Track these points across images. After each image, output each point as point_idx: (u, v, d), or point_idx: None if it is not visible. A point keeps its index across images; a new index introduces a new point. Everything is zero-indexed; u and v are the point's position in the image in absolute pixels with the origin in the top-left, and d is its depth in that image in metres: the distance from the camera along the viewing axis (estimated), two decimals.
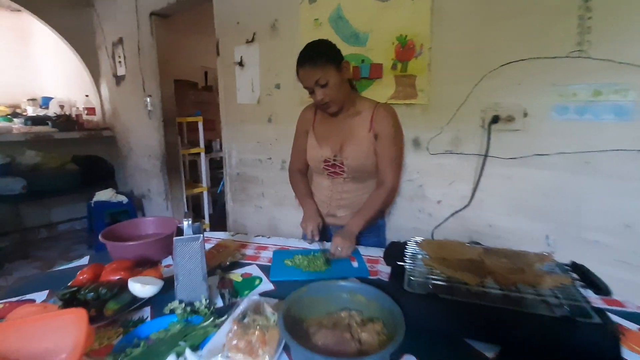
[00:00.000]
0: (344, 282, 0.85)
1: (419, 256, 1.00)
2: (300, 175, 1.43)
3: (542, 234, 1.25)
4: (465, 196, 1.38)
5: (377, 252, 1.24)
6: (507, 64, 1.23)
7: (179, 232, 0.89)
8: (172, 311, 0.85)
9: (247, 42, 2.00)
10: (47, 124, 3.56)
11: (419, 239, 1.09)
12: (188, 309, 0.84)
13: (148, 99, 2.99)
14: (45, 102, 4.44)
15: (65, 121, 3.58)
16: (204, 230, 3.50)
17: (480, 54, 1.27)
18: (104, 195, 3.13)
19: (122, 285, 0.88)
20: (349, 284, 0.85)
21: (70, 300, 0.83)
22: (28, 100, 4.57)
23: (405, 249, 1.02)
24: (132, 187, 3.73)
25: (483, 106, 1.29)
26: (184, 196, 3.26)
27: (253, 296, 0.89)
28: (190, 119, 3.45)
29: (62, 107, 4.19)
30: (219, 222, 3.22)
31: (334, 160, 1.27)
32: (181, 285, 0.87)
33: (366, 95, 1.54)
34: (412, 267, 0.90)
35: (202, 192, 3.64)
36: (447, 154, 1.41)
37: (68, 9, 3.39)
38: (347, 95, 1.21)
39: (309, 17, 1.69)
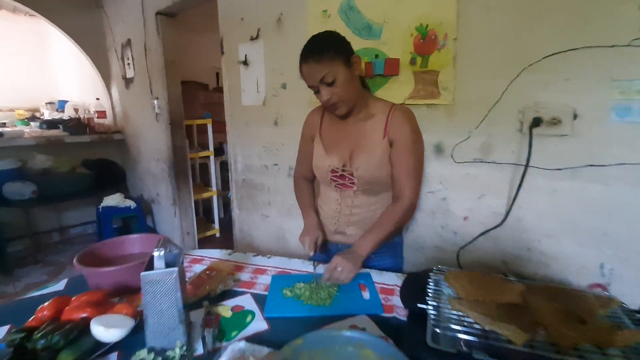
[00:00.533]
0: (349, 332, 0.68)
1: (445, 293, 0.81)
2: (305, 182, 1.27)
3: (595, 261, 1.03)
4: (497, 213, 1.17)
5: (394, 279, 1.06)
6: (553, 55, 1.02)
7: (151, 263, 0.74)
8: None
9: (252, 38, 1.85)
10: (59, 128, 3.54)
11: (443, 268, 0.90)
12: (159, 359, 0.69)
13: (155, 101, 2.91)
14: (62, 105, 4.46)
15: (76, 125, 3.55)
16: (215, 234, 3.34)
17: (519, 44, 1.06)
18: (112, 200, 3.07)
19: (85, 327, 0.74)
20: (355, 334, 0.68)
21: (20, 348, 0.69)
22: (46, 103, 4.62)
23: (428, 283, 0.83)
24: (142, 192, 3.67)
25: (521, 106, 1.08)
26: (192, 201, 3.16)
27: (239, 343, 0.73)
28: (199, 122, 3.36)
29: (76, 110, 4.19)
30: (230, 226, 3.11)
31: (343, 170, 1.09)
32: (151, 329, 0.72)
33: (381, 95, 1.36)
34: (436, 313, 0.71)
35: (212, 196, 3.55)
36: (476, 162, 1.20)
37: (78, 11, 3.35)
38: (357, 95, 1.03)
39: (317, 9, 1.52)
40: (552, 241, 1.09)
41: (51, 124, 3.72)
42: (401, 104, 1.31)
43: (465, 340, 0.64)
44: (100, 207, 3.07)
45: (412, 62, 1.26)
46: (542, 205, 1.09)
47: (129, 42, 3.14)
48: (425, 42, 1.22)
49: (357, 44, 1.38)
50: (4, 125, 3.87)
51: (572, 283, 1.08)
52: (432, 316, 0.70)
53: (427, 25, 1.21)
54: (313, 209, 1.21)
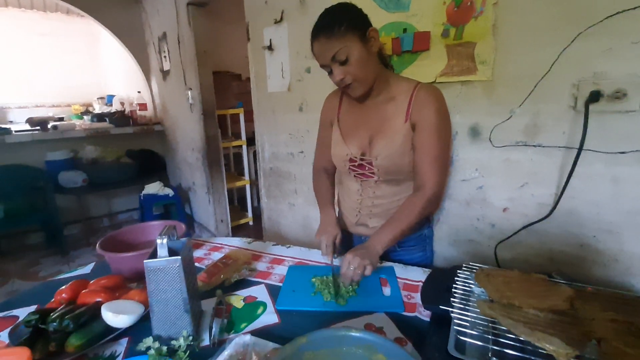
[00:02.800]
0: (359, 332, 0.61)
1: (475, 295, 0.71)
2: (325, 175, 1.19)
3: None
4: (543, 204, 1.03)
5: (419, 275, 0.97)
6: (617, 13, 0.84)
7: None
8: (147, 349, 0.69)
9: (276, 22, 1.79)
10: (105, 120, 3.78)
11: (474, 266, 0.80)
12: (164, 348, 0.68)
13: (189, 92, 2.97)
14: (110, 99, 4.76)
15: (120, 117, 3.76)
16: (249, 222, 3.38)
17: (574, 2, 0.90)
18: (152, 188, 3.23)
19: (97, 312, 0.74)
20: (365, 335, 0.61)
21: (36, 329, 0.71)
22: (98, 98, 4.97)
23: (455, 282, 0.73)
24: (180, 180, 3.83)
25: (576, 79, 0.92)
26: (225, 189, 3.23)
27: (244, 337, 0.69)
28: (232, 111, 3.40)
29: (122, 103, 4.45)
30: None
31: (361, 159, 1.00)
32: (157, 317, 0.70)
33: (410, 73, 1.24)
34: (462, 317, 0.62)
35: (245, 185, 3.60)
36: (519, 146, 1.06)
37: (119, 8, 3.51)
38: (375, 74, 0.92)
39: None
40: (611, 237, 0.93)
41: (100, 117, 3.99)
42: (431, 82, 1.19)
43: (495, 350, 0.55)
44: (141, 194, 3.24)
45: (445, 34, 1.13)
46: (600, 196, 0.93)
47: (164, 35, 3.23)
48: (460, 9, 1.08)
49: (383, 18, 1.27)
50: (61, 119, 4.22)
51: (635, 287, 0.92)
52: (457, 320, 0.61)
53: None
54: (331, 204, 1.13)
